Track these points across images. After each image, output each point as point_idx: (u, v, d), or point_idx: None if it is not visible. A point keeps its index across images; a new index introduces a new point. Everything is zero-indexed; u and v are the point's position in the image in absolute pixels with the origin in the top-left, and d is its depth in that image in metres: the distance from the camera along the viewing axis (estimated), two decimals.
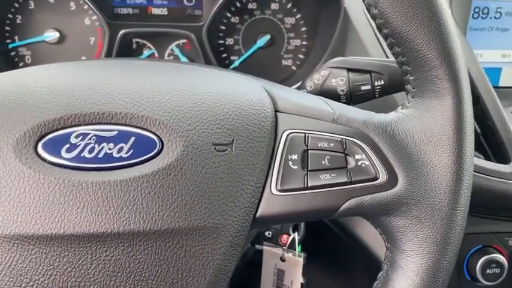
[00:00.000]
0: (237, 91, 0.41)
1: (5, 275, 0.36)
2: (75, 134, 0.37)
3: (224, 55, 0.86)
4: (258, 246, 0.61)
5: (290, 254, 0.58)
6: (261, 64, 0.87)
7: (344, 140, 0.40)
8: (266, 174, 0.39)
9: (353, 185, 0.39)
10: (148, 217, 0.36)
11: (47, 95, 0.38)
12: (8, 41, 0.82)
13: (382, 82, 0.52)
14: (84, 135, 0.37)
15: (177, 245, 0.37)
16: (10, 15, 0.81)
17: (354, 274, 0.76)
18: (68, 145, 0.36)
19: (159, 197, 0.36)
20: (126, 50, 0.83)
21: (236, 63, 0.86)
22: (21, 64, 0.83)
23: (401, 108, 0.43)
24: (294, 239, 0.58)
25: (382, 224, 0.41)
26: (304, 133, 0.40)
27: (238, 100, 0.40)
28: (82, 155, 0.36)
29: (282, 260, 0.58)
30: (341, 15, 0.78)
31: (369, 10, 0.40)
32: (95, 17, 0.81)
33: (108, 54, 0.80)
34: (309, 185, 0.39)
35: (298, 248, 0.58)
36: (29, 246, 0.35)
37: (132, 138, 0.37)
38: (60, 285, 0.36)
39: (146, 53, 0.84)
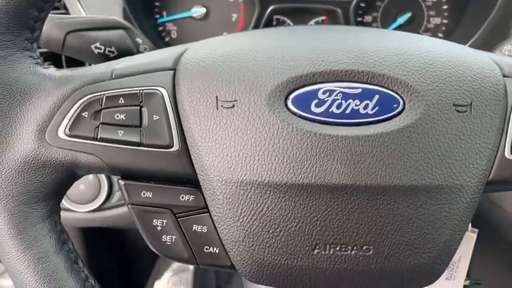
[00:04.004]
0: (465, 54, 0.41)
1: (255, 220, 0.38)
2: (322, 90, 0.38)
3: None
4: None
5: None
6: None
7: None
8: (499, 138, 0.39)
9: None
10: (393, 173, 0.37)
11: (290, 53, 0.40)
12: (157, 16, 0.86)
13: None
14: (331, 91, 0.38)
15: (419, 202, 0.37)
16: None
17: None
18: (316, 100, 0.38)
19: (403, 154, 0.37)
20: (268, 26, 0.84)
21: None
22: (167, 39, 0.87)
23: None
24: None
25: None
26: None
27: (470, 63, 0.40)
28: (330, 110, 0.38)
29: None
30: None
31: None
32: None
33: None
34: None
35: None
36: (280, 194, 0.37)
37: (376, 96, 0.38)
38: (306, 232, 0.38)
39: None
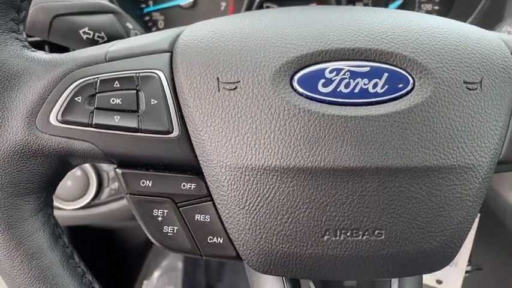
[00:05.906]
0: (472, 31, 0.40)
1: (262, 207, 0.36)
2: (329, 69, 0.36)
3: None
4: None
5: None
6: None
7: None
8: (510, 116, 0.38)
9: None
10: (405, 153, 0.36)
11: (294, 32, 0.38)
12: (142, 5, 0.83)
13: None
14: (338, 70, 0.36)
15: (431, 184, 0.36)
16: None
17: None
18: (323, 80, 0.36)
19: (414, 134, 0.36)
20: None
21: None
22: (154, 29, 0.84)
23: None
24: None
25: None
26: None
27: (478, 40, 0.39)
28: (338, 89, 0.36)
29: None
30: None
31: None
32: None
33: None
34: None
35: None
36: (288, 178, 0.36)
37: (385, 74, 0.36)
38: (315, 218, 0.36)
39: None
